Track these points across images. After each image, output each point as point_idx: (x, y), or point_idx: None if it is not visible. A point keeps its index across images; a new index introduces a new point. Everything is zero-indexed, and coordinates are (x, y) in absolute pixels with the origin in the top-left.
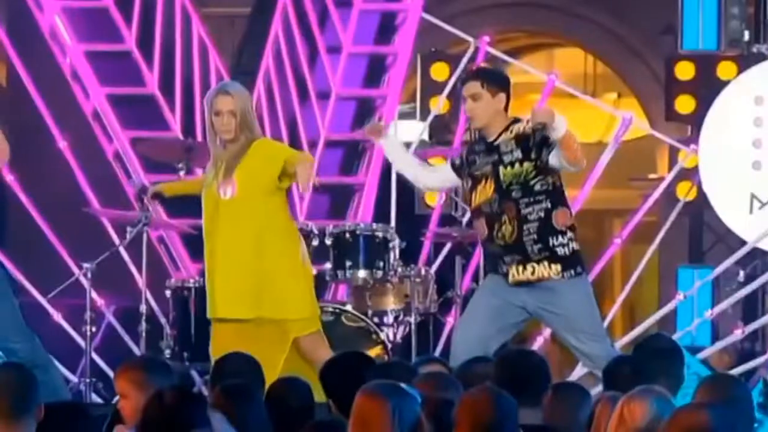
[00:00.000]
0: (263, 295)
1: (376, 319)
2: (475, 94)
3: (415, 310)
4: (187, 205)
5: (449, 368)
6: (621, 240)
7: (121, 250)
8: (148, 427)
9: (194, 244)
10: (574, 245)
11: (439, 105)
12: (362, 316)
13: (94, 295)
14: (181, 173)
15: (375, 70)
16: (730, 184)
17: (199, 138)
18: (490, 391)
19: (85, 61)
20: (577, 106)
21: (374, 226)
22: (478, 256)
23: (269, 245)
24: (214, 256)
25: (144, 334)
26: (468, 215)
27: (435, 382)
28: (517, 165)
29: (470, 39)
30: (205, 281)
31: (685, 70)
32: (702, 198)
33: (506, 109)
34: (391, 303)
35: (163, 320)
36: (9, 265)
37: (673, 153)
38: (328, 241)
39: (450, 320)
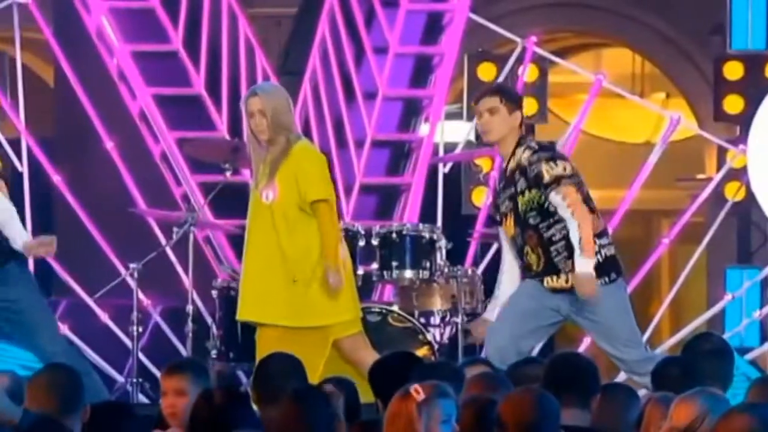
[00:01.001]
0: (303, 302)
1: (422, 320)
2: (493, 108)
3: (462, 310)
4: (233, 206)
5: (495, 369)
6: (669, 240)
7: (168, 250)
8: (195, 427)
9: (241, 245)
10: (607, 251)
11: None
12: (409, 317)
13: (140, 295)
14: (228, 174)
15: (421, 71)
16: None
17: (246, 138)
18: (532, 392)
19: (131, 62)
20: (625, 107)
21: (421, 226)
22: None
23: (308, 252)
24: (255, 260)
25: (190, 335)
26: None
27: (486, 382)
28: (526, 193)
29: (517, 39)
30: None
31: (733, 70)
32: (750, 198)
33: (520, 127)
34: (437, 303)
35: (209, 320)
36: (56, 266)
37: (722, 153)
38: (375, 242)
39: None
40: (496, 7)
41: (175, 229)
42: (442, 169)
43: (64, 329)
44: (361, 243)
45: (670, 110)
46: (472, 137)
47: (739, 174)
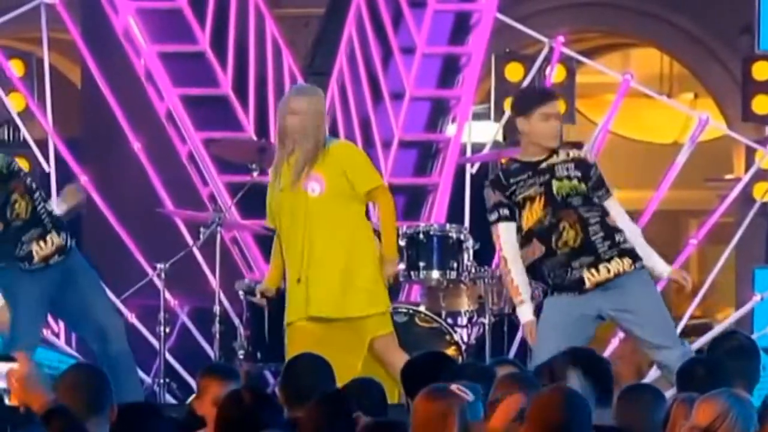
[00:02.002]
0: (349, 294)
1: (449, 320)
2: (560, 114)
3: (489, 311)
4: (260, 206)
5: (523, 369)
6: (697, 241)
7: (195, 250)
8: (224, 427)
9: (267, 245)
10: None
11: None
12: (436, 317)
13: (167, 295)
14: (255, 174)
15: (449, 71)
16: None
17: (273, 139)
18: (561, 390)
19: (158, 62)
20: (653, 107)
21: (448, 226)
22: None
23: (358, 244)
24: (305, 254)
25: (218, 335)
26: None
27: (515, 382)
28: (576, 181)
29: (545, 39)
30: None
31: (762, 70)
32: None
33: None
34: (464, 304)
35: (236, 321)
36: None
37: (750, 153)
38: (402, 242)
39: None
40: (524, 7)
41: (202, 230)
42: (470, 170)
43: None
44: None
45: (698, 110)
46: (500, 137)
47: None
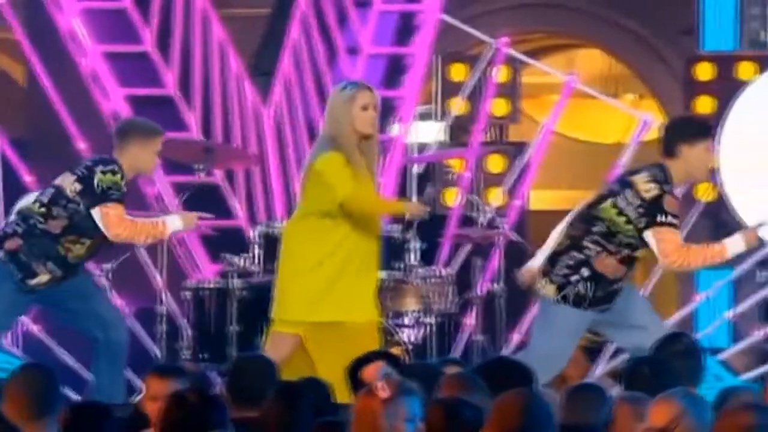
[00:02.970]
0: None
1: (394, 320)
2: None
3: (434, 311)
4: (205, 206)
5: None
6: None
7: (141, 251)
8: (168, 428)
9: (213, 245)
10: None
11: (457, 106)
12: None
13: (113, 295)
14: (200, 174)
15: (393, 71)
16: (749, 185)
17: (218, 139)
18: (523, 394)
19: (103, 62)
20: (597, 107)
21: (392, 227)
22: (497, 257)
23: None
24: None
25: (162, 335)
26: (487, 215)
27: (459, 383)
28: (621, 216)
29: (489, 40)
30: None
31: (704, 71)
32: (721, 199)
33: None
34: (409, 304)
35: (181, 322)
36: None
37: None
38: None
39: (469, 322)
40: (469, 8)
41: None
42: (414, 170)
43: (37, 330)
44: None
45: (642, 111)
46: (444, 137)
47: (711, 175)
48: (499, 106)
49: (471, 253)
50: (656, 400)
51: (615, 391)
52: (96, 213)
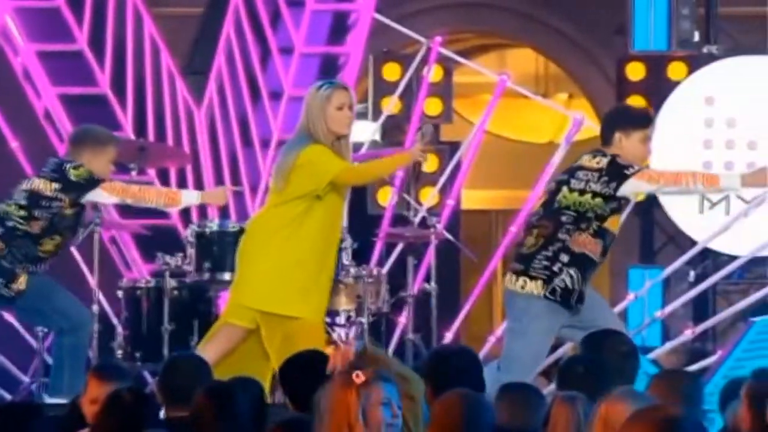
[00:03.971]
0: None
1: (328, 319)
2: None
3: (368, 310)
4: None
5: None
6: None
7: (73, 250)
8: (105, 427)
9: (146, 245)
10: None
11: (390, 105)
12: None
13: None
14: (133, 173)
15: (327, 71)
16: None
17: (152, 138)
18: (462, 394)
19: (36, 61)
20: (529, 107)
21: None
22: (430, 256)
23: None
24: (329, 256)
25: (96, 335)
26: (420, 214)
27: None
28: (584, 194)
29: (422, 39)
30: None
31: (635, 71)
32: (652, 198)
33: None
34: (343, 303)
35: (115, 321)
36: None
37: None
38: None
39: (402, 320)
40: (402, 7)
41: (80, 229)
42: None
43: None
44: None
45: (574, 110)
46: (378, 137)
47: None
48: (432, 106)
49: (404, 252)
50: (610, 400)
51: (548, 390)
52: (96, 194)
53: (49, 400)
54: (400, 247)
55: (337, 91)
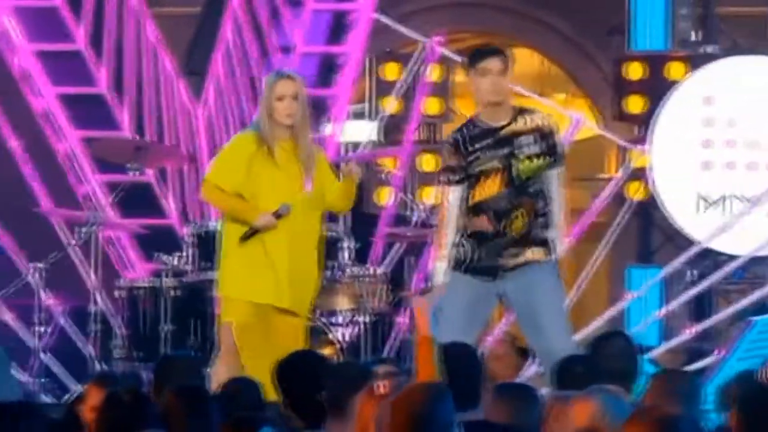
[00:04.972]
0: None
1: (327, 319)
2: (503, 70)
3: (368, 310)
4: (137, 205)
5: (401, 368)
6: (570, 239)
7: (72, 250)
8: (104, 428)
9: (144, 244)
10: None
11: (390, 105)
12: (313, 316)
13: (45, 295)
14: (131, 173)
15: (326, 70)
16: (679, 184)
17: (149, 137)
18: (424, 384)
19: (35, 61)
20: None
21: (324, 225)
22: (429, 256)
23: (319, 245)
24: (285, 246)
25: (95, 335)
26: (420, 215)
27: (392, 381)
28: (537, 159)
29: (422, 39)
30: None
31: (634, 71)
32: (651, 198)
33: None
34: (342, 303)
35: (113, 320)
36: None
37: (623, 153)
38: None
39: (402, 320)
40: (402, 7)
41: (79, 229)
42: None
43: None
44: None
45: (572, 110)
46: (376, 137)
47: (640, 174)
48: (431, 105)
49: (404, 252)
50: (576, 400)
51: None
52: None
53: None
54: (400, 246)
55: (280, 81)
